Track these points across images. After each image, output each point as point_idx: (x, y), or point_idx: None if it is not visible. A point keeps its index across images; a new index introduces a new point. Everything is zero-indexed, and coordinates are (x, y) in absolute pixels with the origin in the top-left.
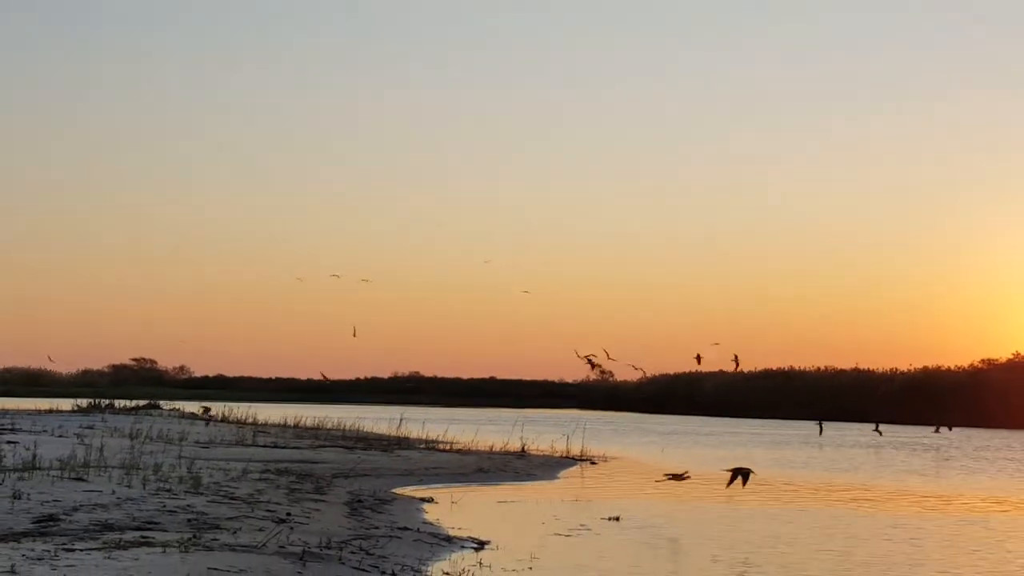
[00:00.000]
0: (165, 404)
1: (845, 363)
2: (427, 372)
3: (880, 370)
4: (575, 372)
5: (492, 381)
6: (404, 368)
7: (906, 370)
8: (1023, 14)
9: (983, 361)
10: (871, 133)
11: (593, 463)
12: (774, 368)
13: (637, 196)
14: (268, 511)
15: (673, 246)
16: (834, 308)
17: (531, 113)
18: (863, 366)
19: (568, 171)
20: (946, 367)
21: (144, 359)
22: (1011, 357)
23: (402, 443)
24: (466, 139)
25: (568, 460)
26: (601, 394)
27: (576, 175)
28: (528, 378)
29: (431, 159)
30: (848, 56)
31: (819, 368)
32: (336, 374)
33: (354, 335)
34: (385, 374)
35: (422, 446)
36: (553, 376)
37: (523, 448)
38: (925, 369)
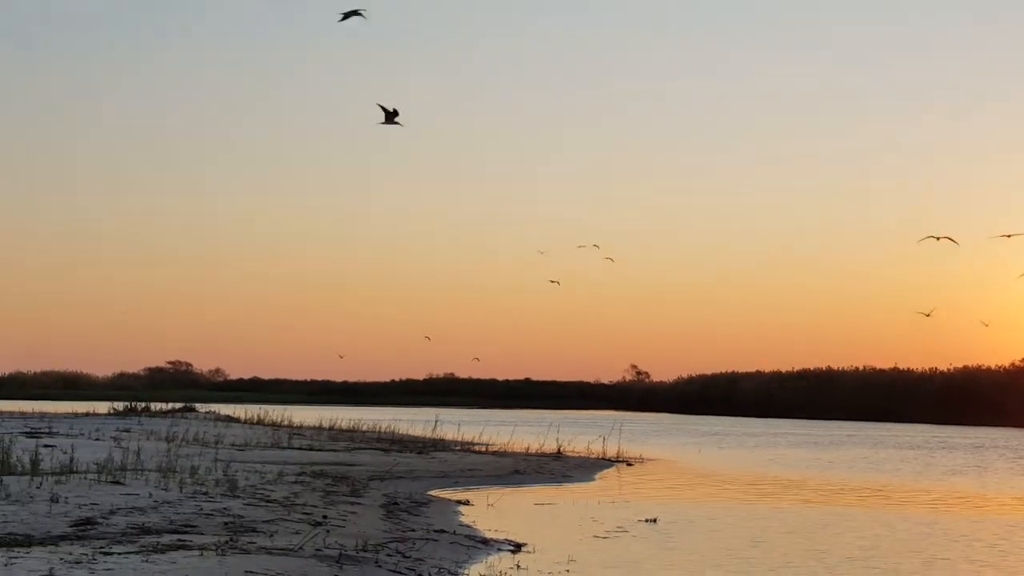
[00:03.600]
0: (200, 407)
1: (884, 363)
2: (462, 374)
3: (919, 369)
4: (611, 373)
5: (528, 382)
6: (439, 370)
7: (946, 370)
8: None
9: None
10: (919, 133)
11: (630, 464)
12: (811, 368)
13: (675, 196)
14: (304, 514)
15: (712, 247)
16: (872, 307)
17: (571, 114)
18: (902, 366)
19: (601, 170)
20: (986, 366)
21: (180, 362)
22: None
23: (437, 445)
24: (505, 140)
25: (604, 462)
26: (637, 395)
27: (607, 174)
28: (564, 379)
29: (464, 162)
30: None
31: (857, 368)
32: (371, 376)
33: (428, 339)
34: (420, 375)
35: (457, 448)
36: (589, 377)
37: (559, 450)
38: (965, 368)
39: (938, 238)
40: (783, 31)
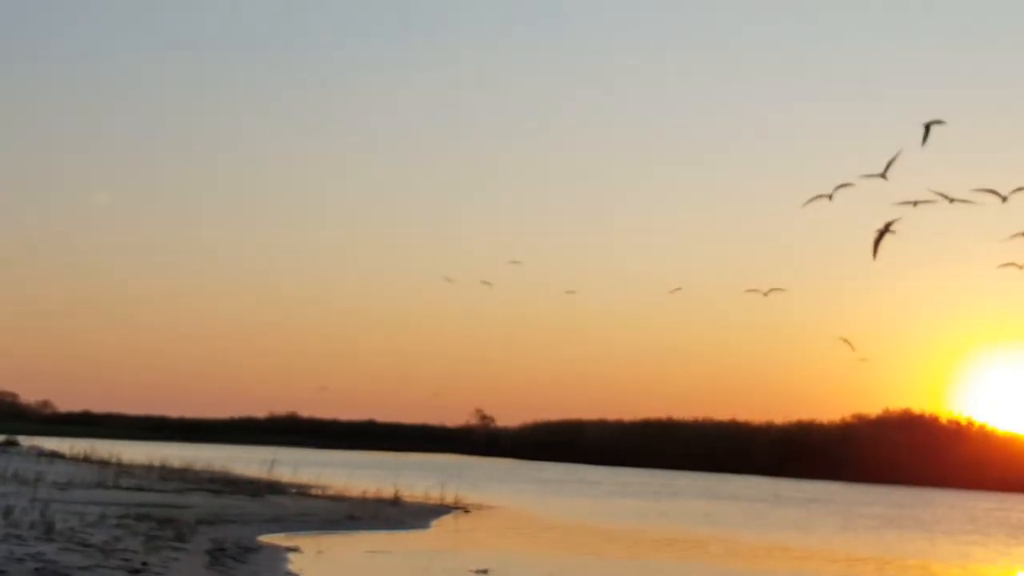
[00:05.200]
0: (24, 440)
1: (723, 414)
2: (304, 413)
3: (756, 422)
4: (456, 416)
5: (371, 424)
6: (281, 408)
7: (782, 423)
8: None
9: (854, 416)
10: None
11: (467, 512)
12: (653, 418)
13: (521, 239)
14: (123, 560)
15: (560, 294)
16: (712, 359)
17: (422, 155)
18: (740, 418)
19: (451, 207)
20: (819, 421)
21: (4, 392)
22: (881, 413)
23: (273, 488)
24: (345, 181)
25: (442, 508)
26: (482, 439)
27: (455, 212)
28: (409, 421)
29: (297, 198)
30: None
31: (697, 419)
32: (210, 412)
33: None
34: (261, 414)
35: (293, 491)
36: (434, 420)
37: (397, 495)
38: (800, 422)
39: (765, 293)
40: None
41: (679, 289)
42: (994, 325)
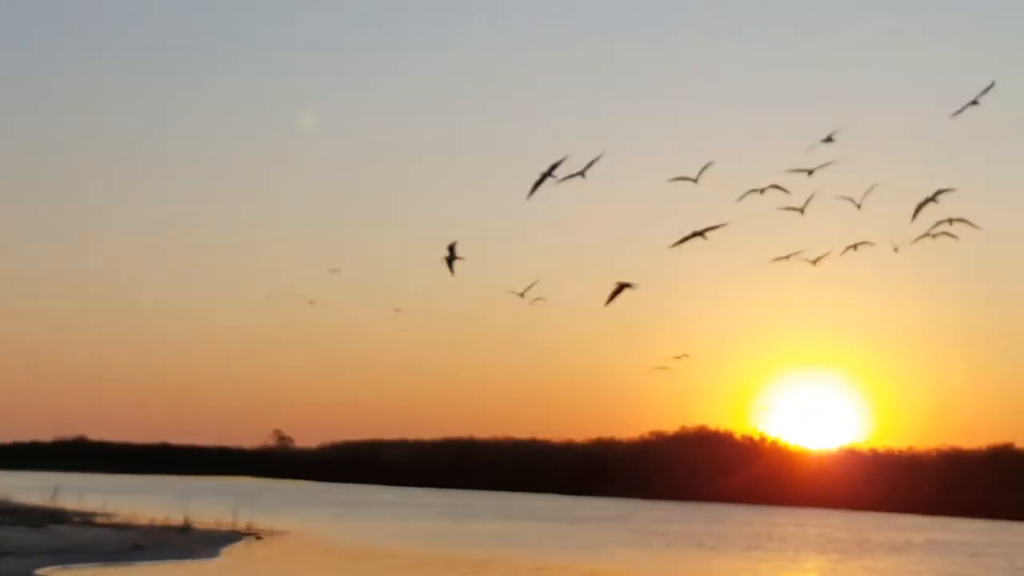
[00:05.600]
0: None
1: (524, 433)
2: (94, 436)
3: (557, 440)
4: (253, 438)
5: (164, 447)
6: (69, 431)
7: (582, 441)
8: None
9: (652, 433)
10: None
11: (260, 538)
12: (455, 437)
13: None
14: None
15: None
16: (512, 376)
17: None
18: (541, 436)
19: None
20: (619, 439)
21: None
22: (678, 430)
23: (56, 516)
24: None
25: (234, 535)
26: (280, 461)
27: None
28: (203, 443)
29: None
30: None
31: (499, 438)
32: None
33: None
34: (47, 437)
35: (78, 520)
36: (231, 442)
37: (187, 522)
38: (599, 440)
39: (522, 291)
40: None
41: (407, 311)
42: (794, 348)
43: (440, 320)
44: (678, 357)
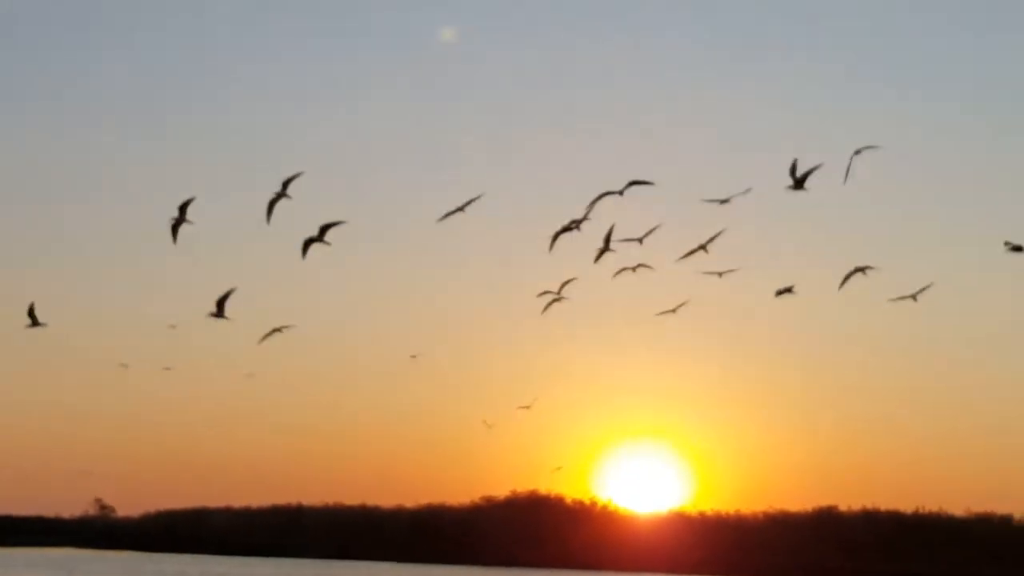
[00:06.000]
0: None
1: (353, 499)
2: None
3: (387, 506)
4: (72, 506)
5: None
6: None
7: (412, 507)
8: None
9: (483, 498)
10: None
11: None
12: (282, 504)
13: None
14: None
15: (178, 376)
16: (342, 440)
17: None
18: (371, 502)
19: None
20: (449, 504)
21: None
22: (509, 495)
23: None
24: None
25: None
26: (101, 531)
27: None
28: (18, 513)
29: None
30: None
31: (328, 504)
32: None
33: None
34: None
35: None
36: (48, 511)
37: None
38: (430, 506)
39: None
40: None
41: (251, 374)
42: (624, 411)
43: (273, 386)
44: (523, 407)
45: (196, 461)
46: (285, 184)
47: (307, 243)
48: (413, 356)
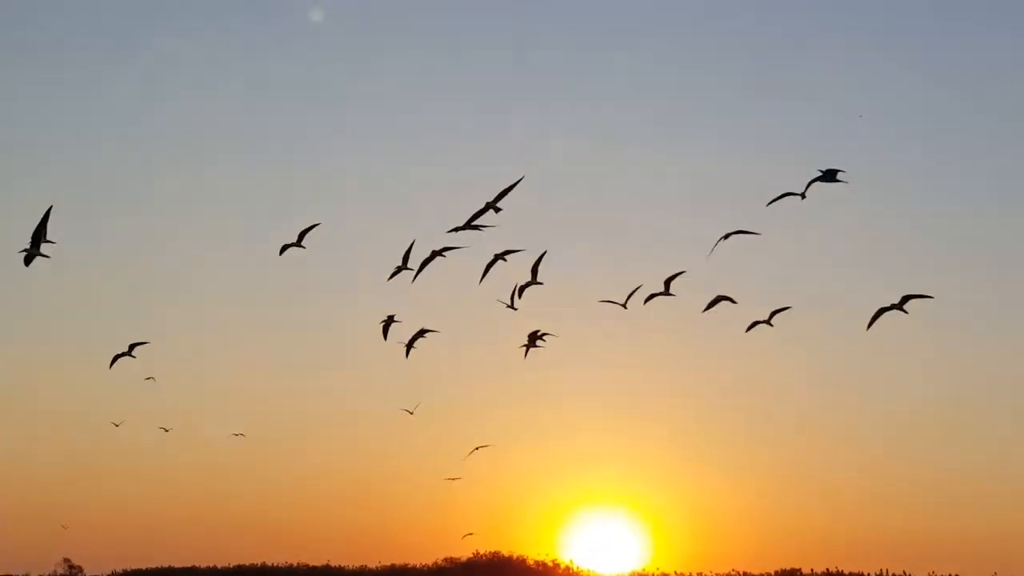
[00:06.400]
0: None
1: (318, 559)
2: None
3: (351, 567)
4: (41, 567)
5: None
6: None
7: (375, 567)
8: None
9: (446, 559)
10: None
11: None
12: (247, 564)
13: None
14: None
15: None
16: (305, 500)
17: None
18: (335, 563)
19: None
20: (412, 564)
21: None
22: (471, 556)
23: None
24: None
25: None
26: None
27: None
28: None
29: None
30: None
31: (292, 564)
32: None
33: None
34: None
35: None
36: (16, 571)
37: None
38: (393, 567)
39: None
40: None
41: (241, 435)
42: (588, 474)
43: (232, 443)
44: (478, 448)
45: (164, 521)
46: (301, 235)
47: (284, 248)
48: (410, 412)
